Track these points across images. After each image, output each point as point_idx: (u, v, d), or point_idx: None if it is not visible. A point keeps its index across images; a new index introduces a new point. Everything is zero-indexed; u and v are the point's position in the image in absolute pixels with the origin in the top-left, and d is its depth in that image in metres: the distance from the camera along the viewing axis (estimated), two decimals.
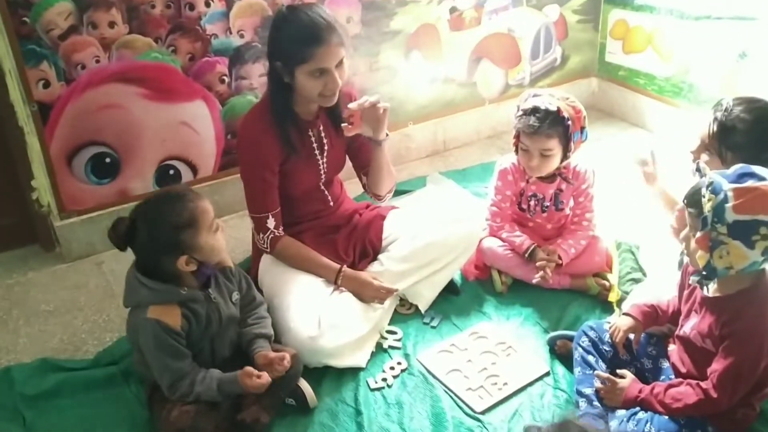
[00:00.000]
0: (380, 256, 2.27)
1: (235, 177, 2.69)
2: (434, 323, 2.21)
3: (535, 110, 2.16)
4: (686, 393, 1.69)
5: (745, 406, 1.73)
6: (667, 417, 1.71)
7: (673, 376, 1.81)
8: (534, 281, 2.23)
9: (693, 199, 1.61)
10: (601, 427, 1.69)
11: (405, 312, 2.25)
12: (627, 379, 1.80)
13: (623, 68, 3.53)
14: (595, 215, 2.36)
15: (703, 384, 1.67)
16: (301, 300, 2.03)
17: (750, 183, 1.53)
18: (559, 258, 2.25)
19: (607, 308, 2.23)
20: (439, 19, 3.02)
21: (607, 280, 2.28)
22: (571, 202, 2.36)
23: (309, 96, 1.99)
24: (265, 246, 2.11)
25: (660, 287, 2.11)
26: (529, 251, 2.27)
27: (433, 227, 2.23)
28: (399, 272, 2.21)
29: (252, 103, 2.65)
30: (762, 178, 1.54)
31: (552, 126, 2.14)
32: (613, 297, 2.23)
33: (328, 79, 1.94)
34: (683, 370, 1.78)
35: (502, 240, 2.34)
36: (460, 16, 3.07)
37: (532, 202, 2.36)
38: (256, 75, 2.65)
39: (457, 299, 2.30)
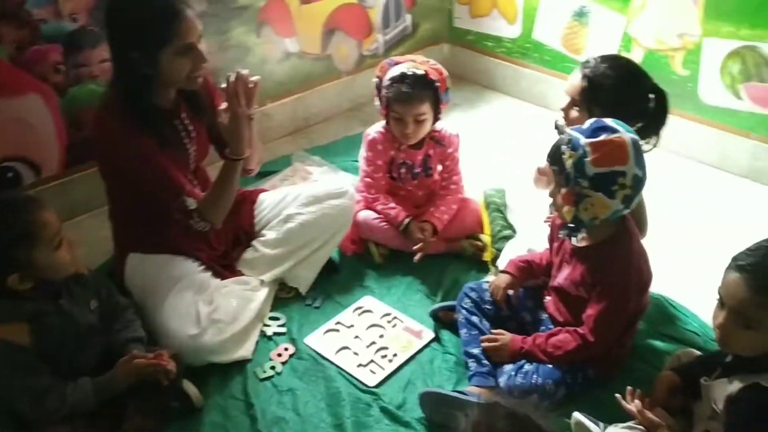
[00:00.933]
0: (254, 242, 2.19)
1: (85, 173, 2.51)
2: (317, 304, 2.17)
3: (403, 77, 2.15)
4: (566, 340, 1.77)
5: (619, 346, 1.85)
6: (551, 366, 1.79)
7: (552, 326, 1.89)
8: (415, 260, 2.23)
9: (554, 156, 1.67)
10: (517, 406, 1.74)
11: (286, 296, 2.19)
12: (508, 335, 1.86)
13: (471, 32, 3.61)
14: (462, 178, 2.40)
15: (579, 330, 1.76)
16: (177, 298, 1.92)
17: (604, 137, 1.61)
18: (434, 231, 2.27)
19: (483, 268, 2.29)
20: None
21: (480, 241, 2.34)
22: (439, 167, 2.39)
23: (176, 80, 1.84)
24: (205, 228, 1.96)
25: (530, 242, 2.20)
26: (403, 225, 2.27)
27: (307, 207, 2.18)
28: (275, 257, 2.15)
29: (95, 92, 2.45)
30: (615, 131, 1.62)
31: (423, 90, 2.15)
32: (487, 256, 2.29)
33: (196, 55, 1.81)
34: (560, 319, 1.87)
35: (377, 212, 2.32)
36: None
37: (402, 170, 2.37)
38: (97, 61, 2.44)
39: (337, 277, 2.27)
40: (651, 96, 1.91)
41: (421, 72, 2.16)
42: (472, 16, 3.57)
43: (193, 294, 1.95)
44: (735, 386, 1.43)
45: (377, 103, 2.31)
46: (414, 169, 2.36)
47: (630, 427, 1.61)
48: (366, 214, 2.33)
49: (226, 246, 2.18)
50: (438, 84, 2.19)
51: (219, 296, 1.98)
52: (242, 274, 2.12)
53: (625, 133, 1.62)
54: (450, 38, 3.73)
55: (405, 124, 2.20)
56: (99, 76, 2.46)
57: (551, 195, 1.75)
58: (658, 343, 1.99)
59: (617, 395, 1.62)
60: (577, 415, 1.70)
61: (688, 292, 2.15)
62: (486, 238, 2.34)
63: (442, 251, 2.33)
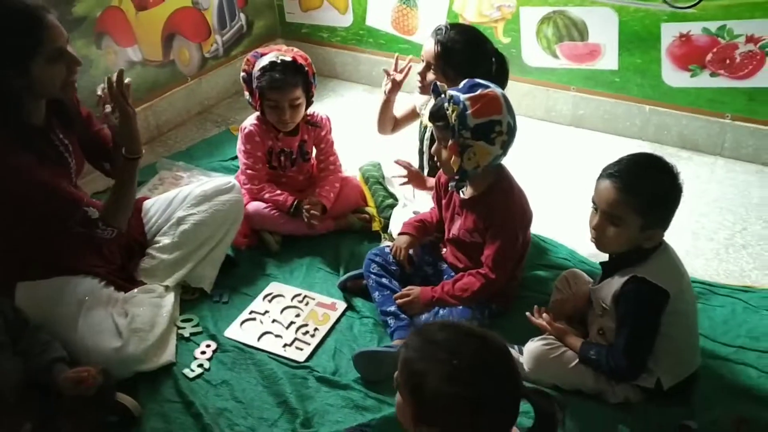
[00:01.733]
0: (149, 250, 2.16)
1: None
2: (225, 299, 2.19)
3: (274, 65, 2.23)
4: (470, 282, 1.97)
5: (512, 279, 2.09)
6: (461, 307, 1.98)
7: (453, 274, 2.09)
8: (308, 232, 2.33)
9: (438, 114, 1.86)
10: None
11: (191, 298, 2.19)
12: (417, 289, 2.03)
13: (305, 26, 3.74)
14: (338, 157, 2.53)
15: (481, 270, 1.97)
16: (89, 315, 1.87)
17: (480, 91, 1.82)
18: (324, 209, 2.38)
19: (374, 237, 2.44)
20: (123, 1, 2.86)
21: (367, 213, 2.48)
22: (314, 152, 2.50)
23: (52, 89, 1.76)
24: (112, 234, 1.91)
25: (414, 206, 2.39)
26: (293, 208, 2.36)
27: (197, 206, 2.19)
28: (174, 261, 2.14)
29: None
30: (487, 86, 1.84)
31: (294, 75, 2.25)
32: (376, 226, 2.45)
33: (69, 58, 1.75)
34: (461, 265, 2.07)
35: (265, 201, 2.38)
36: None
37: (282, 158, 2.45)
38: None
39: (237, 270, 2.30)
40: (493, 59, 2.17)
41: (289, 59, 2.26)
42: (303, 9, 3.69)
43: (104, 308, 1.91)
44: (617, 283, 1.70)
45: (247, 96, 2.37)
46: (292, 156, 2.45)
47: (543, 338, 1.85)
48: (255, 205, 2.38)
49: (121, 258, 2.13)
50: (307, 68, 2.29)
51: (131, 306, 1.96)
52: (144, 284, 2.10)
53: (495, 88, 1.85)
54: (284, 33, 3.82)
55: (282, 110, 2.28)
56: None
57: (435, 152, 1.93)
58: (540, 273, 2.26)
59: (527, 314, 1.86)
60: None
61: (550, 227, 2.45)
62: (371, 210, 2.49)
63: (333, 229, 2.45)
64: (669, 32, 2.82)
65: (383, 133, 2.52)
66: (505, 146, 1.86)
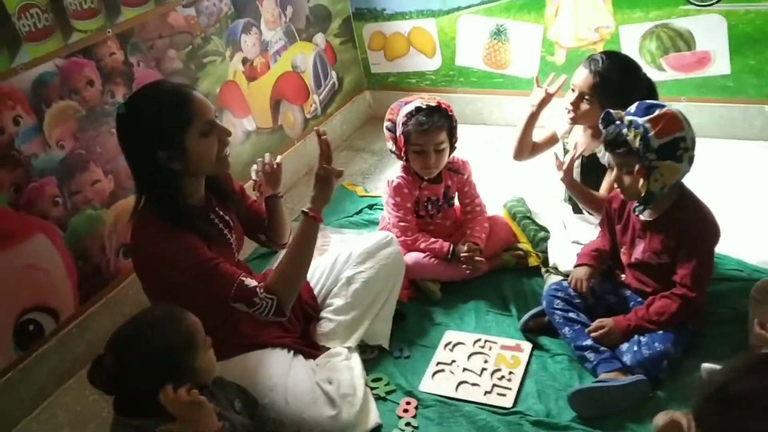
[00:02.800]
0: (323, 314, 2.16)
1: (99, 305, 2.35)
2: (406, 353, 2.17)
3: (419, 109, 2.27)
4: (666, 304, 1.93)
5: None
6: (661, 331, 1.93)
7: (639, 299, 2.04)
8: (468, 272, 2.32)
9: (617, 141, 1.84)
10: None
11: (372, 357, 2.17)
12: (611, 320, 1.99)
13: (391, 74, 3.79)
14: (481, 198, 2.52)
15: (676, 291, 1.93)
16: (296, 387, 1.85)
17: (658, 112, 1.81)
18: (480, 250, 2.36)
19: (534, 272, 2.41)
20: (236, 73, 2.92)
21: (520, 250, 2.46)
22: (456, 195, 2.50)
23: (207, 163, 1.78)
24: (272, 310, 1.83)
25: (570, 235, 2.36)
26: (450, 252, 2.35)
27: (363, 264, 2.19)
28: (351, 321, 2.13)
29: (94, 217, 2.32)
30: (662, 106, 1.83)
31: (439, 119, 2.27)
32: (533, 261, 2.42)
33: (220, 130, 1.78)
34: (648, 289, 2.02)
35: (422, 251, 2.38)
36: (252, 66, 3.00)
37: (429, 206, 2.45)
38: (89, 184, 2.30)
39: (405, 323, 2.28)
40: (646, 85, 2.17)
41: (433, 103, 2.28)
42: (388, 59, 3.74)
43: (308, 377, 1.90)
44: None
45: (390, 145, 2.39)
46: (438, 203, 2.45)
47: None
48: (414, 256, 2.37)
49: (299, 325, 2.13)
50: (450, 114, 2.30)
51: (331, 372, 1.94)
52: (327, 348, 2.09)
53: (670, 106, 1.83)
54: (370, 85, 3.87)
55: (427, 154, 2.29)
56: (93, 199, 2.32)
57: (615, 179, 1.91)
58: (717, 287, 2.20)
59: (757, 329, 1.79)
60: (708, 366, 1.86)
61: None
62: (524, 245, 2.47)
63: (488, 270, 2.42)
64: None
65: (519, 158, 2.48)
66: (691, 161, 1.84)
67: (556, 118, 2.41)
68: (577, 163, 2.30)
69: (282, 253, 2.65)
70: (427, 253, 2.38)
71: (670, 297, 1.93)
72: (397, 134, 2.33)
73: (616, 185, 1.94)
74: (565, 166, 2.20)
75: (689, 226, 1.90)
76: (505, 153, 3.12)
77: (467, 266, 2.32)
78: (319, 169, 1.89)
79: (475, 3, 3.33)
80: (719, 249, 2.34)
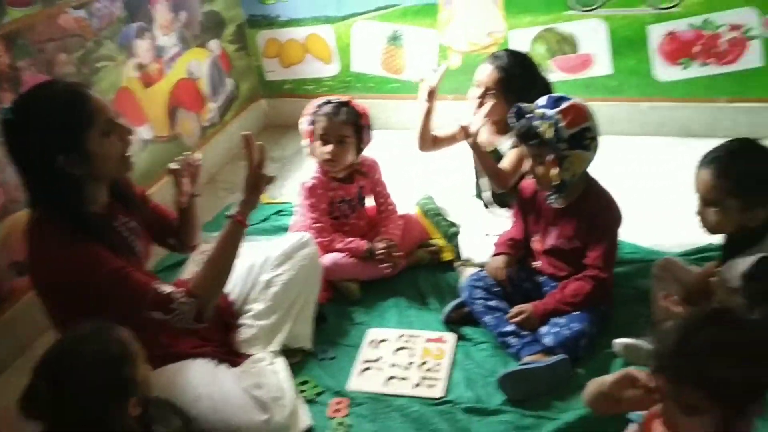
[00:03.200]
0: (243, 320, 2.09)
1: None
2: (330, 354, 2.14)
3: (329, 101, 2.33)
4: (580, 286, 2.03)
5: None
6: (577, 313, 2.02)
7: (554, 283, 2.13)
8: (386, 272, 2.33)
9: (530, 133, 1.93)
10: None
11: (296, 360, 2.12)
12: (529, 305, 2.06)
13: (288, 81, 3.75)
14: (393, 197, 2.54)
15: (588, 273, 2.03)
16: (225, 394, 1.78)
17: (566, 104, 1.91)
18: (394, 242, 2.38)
19: (448, 267, 2.45)
20: (131, 79, 2.79)
21: (434, 245, 2.50)
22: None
23: (110, 164, 1.68)
24: (192, 315, 1.71)
25: (482, 228, 2.43)
26: (368, 250, 2.35)
27: (281, 266, 2.14)
28: (273, 325, 2.08)
29: None
30: (569, 98, 1.94)
31: (346, 113, 2.30)
32: (448, 256, 2.46)
33: (121, 130, 1.69)
34: (562, 274, 2.11)
35: (339, 251, 2.36)
36: (147, 72, 2.88)
37: (343, 207, 2.44)
38: None
39: (326, 325, 2.25)
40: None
41: (344, 99, 2.30)
42: (284, 66, 3.70)
43: (236, 385, 1.83)
44: (745, 263, 1.78)
45: (305, 143, 2.37)
46: (352, 203, 2.45)
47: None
48: (331, 257, 2.35)
49: (218, 334, 2.05)
50: (360, 113, 2.31)
51: (257, 378, 1.88)
52: (249, 355, 2.02)
53: (575, 97, 1.94)
54: (265, 92, 3.82)
55: (327, 143, 2.29)
56: None
57: (530, 170, 2.00)
58: (619, 269, 2.34)
59: (662, 302, 1.92)
60: (620, 341, 1.98)
61: None
62: (437, 241, 2.51)
63: (405, 267, 2.44)
64: (657, 32, 3.04)
65: (424, 149, 2.52)
66: (596, 149, 1.95)
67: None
68: None
69: (191, 261, 2.60)
70: (345, 252, 2.36)
71: (583, 279, 2.03)
72: (308, 125, 2.33)
73: (529, 176, 2.02)
74: (471, 129, 2.22)
75: (598, 211, 2.00)
76: (409, 154, 3.20)
77: (385, 262, 2.33)
78: (250, 174, 1.81)
79: (371, 9, 3.38)
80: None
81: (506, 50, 2.32)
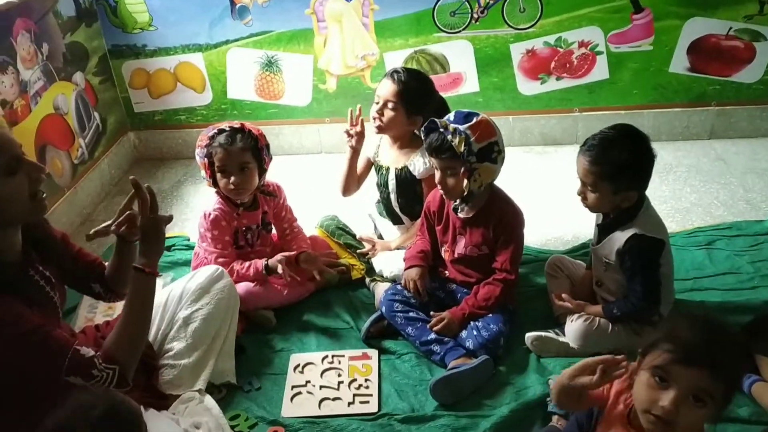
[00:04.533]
0: (164, 361, 2.01)
1: None
2: (256, 385, 2.12)
3: (221, 130, 2.26)
4: (490, 290, 2.16)
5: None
6: (491, 315, 2.16)
7: (465, 291, 2.25)
8: (288, 279, 2.29)
9: (442, 147, 2.03)
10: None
11: (221, 396, 2.07)
12: (447, 313, 2.17)
13: (158, 113, 3.63)
14: (298, 220, 2.56)
15: (497, 276, 2.17)
16: None
17: (475, 120, 2.04)
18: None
19: (357, 285, 2.50)
20: None
21: (342, 265, 2.53)
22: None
23: (18, 208, 1.55)
24: (113, 381, 1.61)
25: (392, 242, 2.52)
26: (266, 267, 2.32)
27: (199, 301, 2.08)
28: (195, 362, 2.02)
29: None
30: (477, 114, 2.07)
31: (242, 139, 2.25)
32: (356, 274, 2.51)
33: (29, 167, 1.56)
34: (473, 280, 2.24)
35: (241, 278, 2.32)
36: (12, 109, 2.68)
37: (248, 236, 2.41)
38: None
39: (248, 356, 2.22)
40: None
41: (237, 125, 2.28)
42: (154, 97, 3.59)
43: (171, 428, 1.76)
44: (618, 240, 2.01)
45: (203, 174, 2.32)
46: (257, 230, 2.43)
47: (579, 316, 2.10)
48: (243, 287, 2.31)
49: (141, 378, 1.95)
50: (257, 135, 2.31)
51: (193, 417, 1.83)
52: (175, 396, 1.95)
53: (482, 114, 2.08)
54: (134, 125, 3.68)
55: (229, 173, 2.26)
56: None
57: (439, 183, 2.11)
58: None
59: (557, 302, 2.10)
60: (531, 335, 2.13)
61: None
62: (345, 260, 2.55)
63: (314, 289, 2.46)
64: (517, 50, 3.30)
65: (348, 194, 2.60)
66: (503, 162, 2.10)
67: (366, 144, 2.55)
68: (392, 176, 2.46)
69: (83, 306, 2.45)
70: (248, 278, 2.33)
71: (492, 283, 2.17)
72: (203, 158, 2.28)
73: (439, 187, 2.12)
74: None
75: (503, 217, 2.15)
76: (298, 178, 3.23)
77: (287, 275, 2.28)
78: (144, 220, 1.71)
79: (244, 36, 3.37)
80: None
81: (404, 67, 2.42)
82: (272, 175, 2.55)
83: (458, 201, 2.15)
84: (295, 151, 3.60)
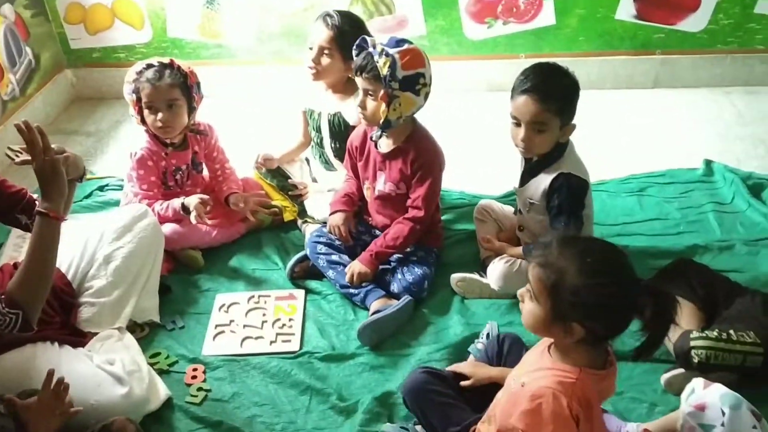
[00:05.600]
0: (84, 299, 1.99)
1: None
2: (180, 324, 2.11)
3: (149, 65, 2.22)
4: (399, 229, 2.14)
5: (437, 222, 2.32)
6: (415, 259, 2.17)
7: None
8: (195, 222, 2.23)
9: (368, 66, 1.99)
10: None
11: (144, 334, 2.07)
12: (353, 262, 2.14)
13: (95, 50, 3.51)
14: (230, 162, 2.52)
15: (407, 215, 2.14)
16: (75, 373, 1.69)
17: (407, 46, 1.99)
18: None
19: (290, 227, 2.49)
20: None
21: (275, 206, 2.51)
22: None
23: None
24: (17, 326, 1.58)
25: (326, 185, 2.50)
26: (183, 206, 2.27)
27: (120, 239, 2.06)
28: (116, 301, 2.00)
29: None
30: (410, 42, 2.02)
31: (171, 75, 2.21)
32: (289, 216, 2.49)
33: None
34: (389, 221, 2.22)
35: (165, 218, 2.29)
36: None
37: (178, 176, 2.38)
38: None
39: (174, 296, 2.21)
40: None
41: (166, 61, 2.22)
42: (91, 33, 3.46)
43: (85, 364, 1.75)
44: (545, 180, 2.01)
45: (132, 111, 2.27)
46: (187, 171, 2.39)
47: (500, 258, 2.12)
48: (170, 226, 2.28)
49: (58, 315, 1.93)
50: (186, 72, 2.25)
51: (108, 354, 1.82)
52: (94, 333, 1.94)
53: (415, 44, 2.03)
54: (71, 62, 3.56)
55: (158, 111, 2.21)
56: None
57: (360, 105, 2.07)
58: (449, 215, 2.53)
59: (484, 244, 2.12)
60: (456, 276, 2.15)
61: None
62: (278, 202, 2.53)
63: (245, 232, 2.45)
64: None
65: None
66: (427, 96, 2.06)
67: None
68: (325, 121, 2.42)
69: (8, 245, 2.40)
70: (172, 216, 2.29)
71: (402, 222, 2.14)
72: (131, 94, 2.23)
73: (359, 110, 2.09)
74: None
75: (421, 153, 2.11)
76: (238, 121, 3.17)
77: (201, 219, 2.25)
78: (38, 163, 1.62)
79: None
80: (445, 184, 2.68)
81: (336, 10, 2.34)
82: (211, 118, 2.50)
83: (377, 130, 2.12)
84: (237, 94, 3.52)
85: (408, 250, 2.19)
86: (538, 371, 1.40)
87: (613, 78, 3.47)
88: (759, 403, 1.54)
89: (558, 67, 1.97)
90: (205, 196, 2.30)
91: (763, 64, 3.43)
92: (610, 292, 1.29)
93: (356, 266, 2.12)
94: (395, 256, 2.18)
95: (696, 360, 1.73)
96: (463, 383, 1.68)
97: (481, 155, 2.93)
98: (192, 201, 2.25)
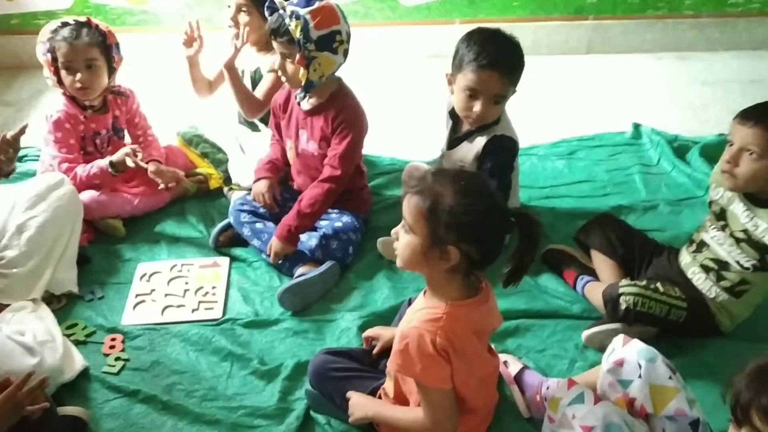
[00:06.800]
0: None
1: None
2: (99, 294, 2.05)
3: (65, 23, 2.15)
4: (314, 194, 2.05)
5: (362, 188, 2.27)
6: (340, 224, 2.14)
7: None
8: (132, 165, 2.21)
9: (281, 30, 1.92)
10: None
11: (61, 306, 2.00)
12: (272, 238, 2.07)
13: (14, 16, 3.36)
14: (152, 127, 2.44)
15: (322, 177, 2.06)
16: None
17: (317, 4, 1.91)
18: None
19: (216, 194, 2.44)
20: None
21: (200, 174, 2.45)
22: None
23: None
24: None
25: (252, 153, 2.44)
26: (111, 164, 2.20)
27: (34, 208, 1.99)
28: (30, 271, 1.95)
29: None
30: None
31: (89, 34, 2.14)
32: (215, 183, 2.44)
33: None
34: (311, 183, 2.15)
35: (87, 182, 2.21)
36: None
37: (97, 141, 2.30)
38: None
39: (93, 266, 2.15)
40: None
41: (82, 19, 2.15)
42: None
43: None
44: (478, 144, 2.01)
45: (46, 73, 2.18)
46: (108, 135, 2.32)
47: None
48: (89, 194, 2.20)
49: None
50: (105, 32, 2.17)
51: (20, 325, 1.76)
52: (6, 305, 1.87)
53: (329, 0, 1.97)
54: None
55: (75, 71, 2.14)
56: None
57: (279, 68, 2.00)
58: (376, 181, 2.51)
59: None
60: (382, 239, 2.15)
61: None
62: (203, 169, 2.47)
63: (170, 200, 2.38)
64: None
65: (202, 96, 2.52)
66: (346, 53, 2.00)
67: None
68: (247, 79, 2.36)
69: None
70: (95, 179, 2.22)
71: (316, 186, 2.06)
72: (45, 54, 2.14)
73: (279, 73, 2.03)
74: (227, 60, 2.27)
75: (342, 111, 2.04)
76: (162, 88, 3.07)
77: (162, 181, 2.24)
78: None
79: None
80: (376, 151, 2.66)
81: None
82: (135, 86, 2.42)
83: (300, 91, 2.06)
84: (163, 62, 3.40)
85: (333, 215, 2.16)
86: (413, 314, 1.43)
87: (547, 44, 3.48)
88: (675, 359, 1.58)
89: (509, 36, 1.95)
90: (134, 146, 2.24)
91: (692, 29, 3.48)
92: (483, 209, 1.33)
93: (275, 245, 2.05)
94: (322, 222, 2.14)
95: (623, 306, 1.77)
96: (375, 350, 1.68)
97: (414, 122, 2.91)
98: (120, 154, 2.19)
